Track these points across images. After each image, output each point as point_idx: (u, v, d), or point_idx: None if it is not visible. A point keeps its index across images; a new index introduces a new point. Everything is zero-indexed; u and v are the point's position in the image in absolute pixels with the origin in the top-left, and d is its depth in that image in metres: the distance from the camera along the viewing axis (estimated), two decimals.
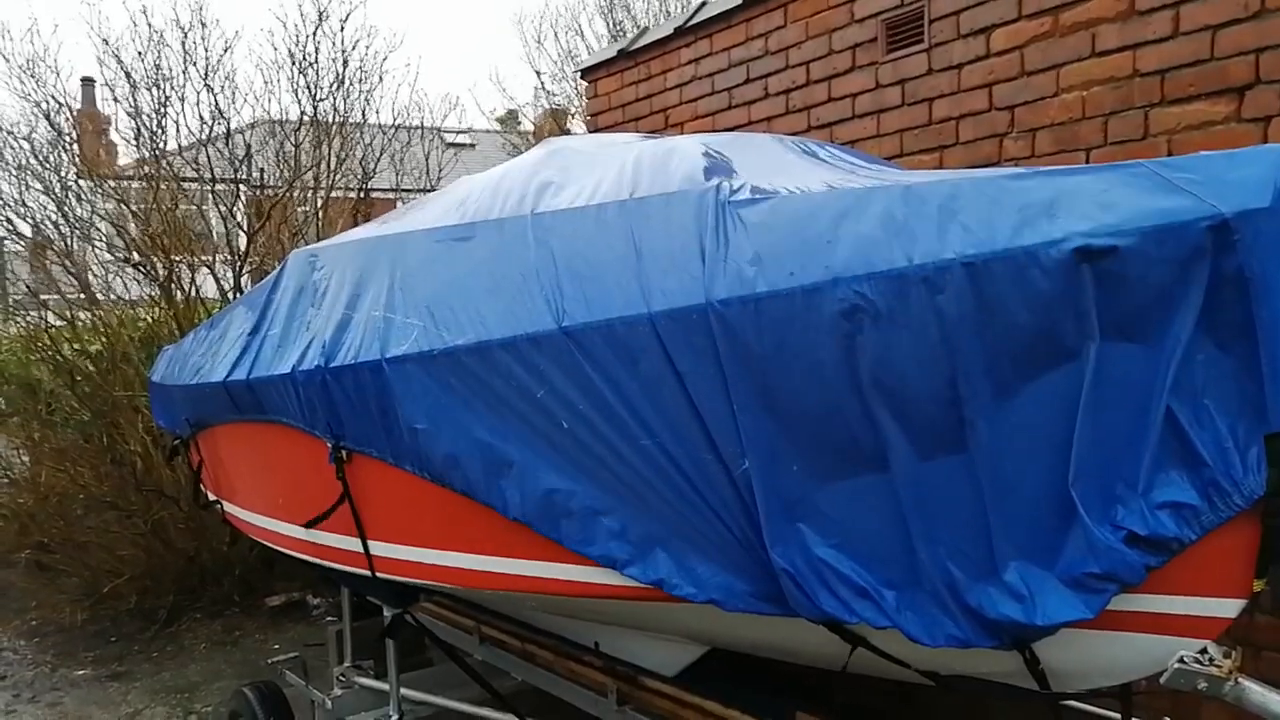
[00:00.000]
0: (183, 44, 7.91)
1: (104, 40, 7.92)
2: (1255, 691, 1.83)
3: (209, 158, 7.93)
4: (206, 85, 7.96)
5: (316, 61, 8.41)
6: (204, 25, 8.01)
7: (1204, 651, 1.86)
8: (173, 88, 7.91)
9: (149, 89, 7.87)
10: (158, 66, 7.87)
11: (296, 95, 8.45)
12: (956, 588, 1.90)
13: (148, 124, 7.89)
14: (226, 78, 8.25)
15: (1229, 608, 1.82)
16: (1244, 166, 1.69)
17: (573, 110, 13.18)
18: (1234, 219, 1.64)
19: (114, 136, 9.08)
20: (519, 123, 16.09)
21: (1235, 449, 1.72)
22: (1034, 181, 1.85)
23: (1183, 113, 3.09)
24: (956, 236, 1.83)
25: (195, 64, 7.93)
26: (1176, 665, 1.85)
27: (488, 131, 20.86)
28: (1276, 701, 1.82)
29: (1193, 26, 3.05)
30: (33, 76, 7.95)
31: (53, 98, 8.04)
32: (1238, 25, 2.93)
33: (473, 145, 20.00)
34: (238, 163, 8.08)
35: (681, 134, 4.99)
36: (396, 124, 9.54)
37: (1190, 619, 1.84)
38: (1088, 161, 3.34)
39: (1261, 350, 1.68)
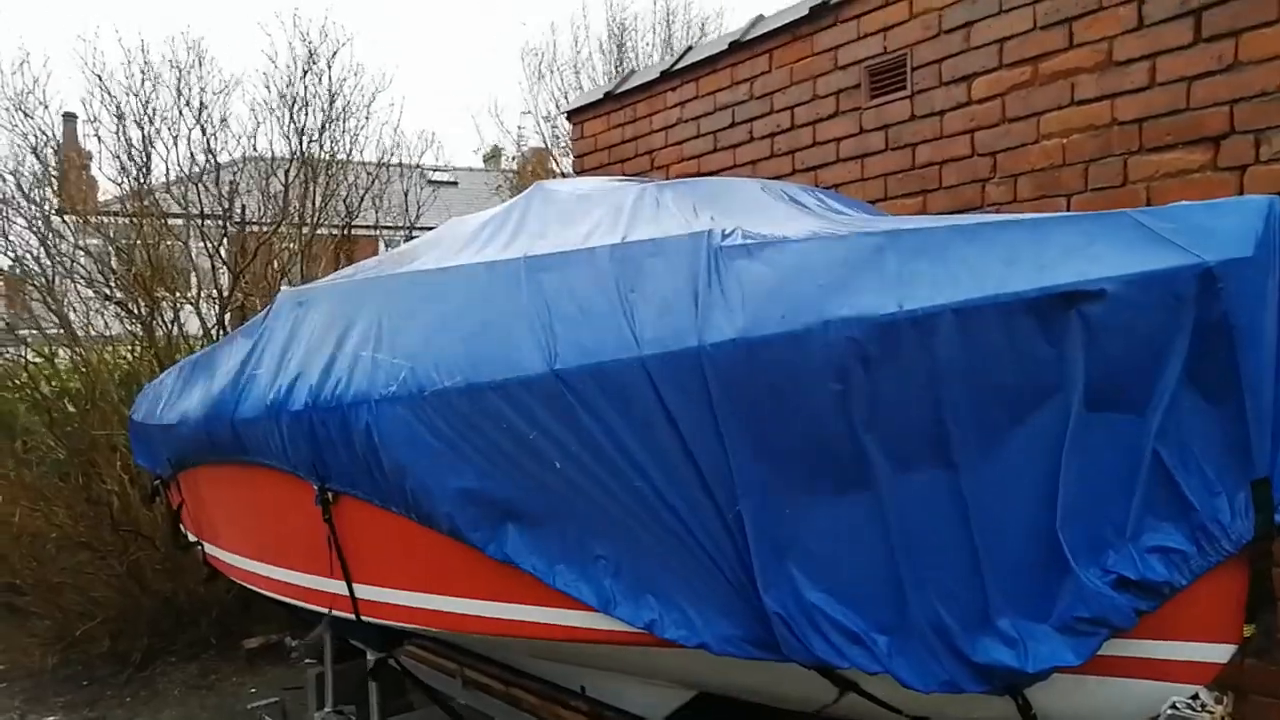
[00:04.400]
0: (178, 81, 7.96)
1: (98, 76, 7.95)
2: None
3: (199, 193, 7.93)
4: (199, 123, 8.00)
5: (306, 101, 8.48)
6: (200, 64, 8.06)
7: (1195, 697, 1.86)
8: (164, 123, 7.95)
9: (139, 124, 7.90)
10: (148, 103, 7.91)
11: (286, 134, 8.49)
12: (948, 633, 1.90)
13: (135, 160, 7.90)
14: (222, 119, 8.29)
15: (1221, 653, 1.83)
16: (1226, 217, 1.73)
17: (558, 150, 13.30)
18: (1218, 268, 1.67)
19: (95, 172, 9.08)
20: (507, 160, 16.17)
21: (1223, 494, 1.74)
22: (1021, 230, 1.89)
23: (1160, 161, 3.15)
24: (946, 283, 1.86)
25: (189, 102, 7.98)
26: (1169, 711, 1.85)
27: (470, 170, 20.96)
28: None
29: (1169, 77, 3.12)
30: (20, 110, 7.96)
31: (41, 131, 8.06)
32: (1212, 77, 3.01)
33: (454, 183, 20.09)
34: (224, 200, 8.07)
35: (667, 176, 5.05)
36: (381, 162, 9.59)
37: (1183, 664, 1.85)
38: (1068, 207, 3.39)
39: (1246, 397, 1.70)
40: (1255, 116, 2.92)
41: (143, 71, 7.97)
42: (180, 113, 7.98)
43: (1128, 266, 1.72)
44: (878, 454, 1.92)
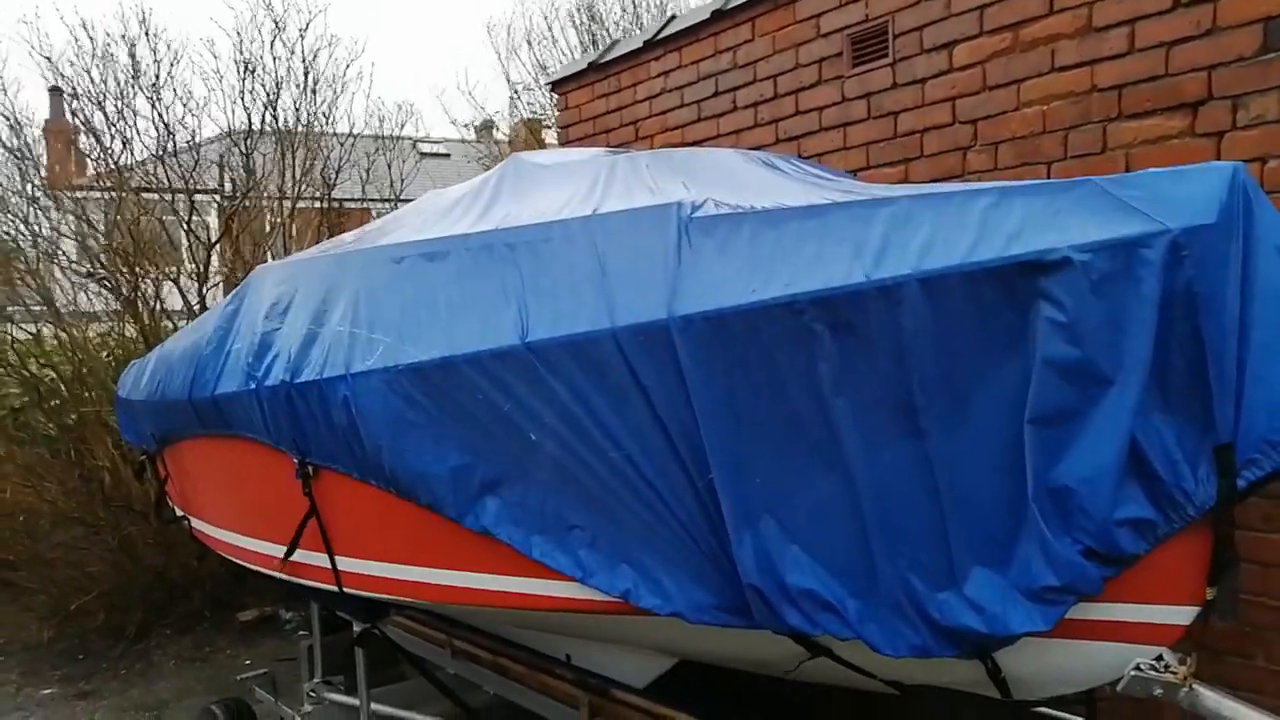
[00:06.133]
0: (131, 55, 7.83)
1: (46, 58, 7.82)
2: (1209, 698, 1.87)
3: (167, 171, 7.84)
4: (157, 96, 7.89)
5: (277, 72, 8.38)
6: (149, 35, 7.92)
7: (1160, 659, 1.89)
8: (123, 101, 7.84)
9: (98, 104, 7.80)
10: (103, 81, 7.80)
11: (244, 104, 8.34)
12: (917, 598, 1.93)
13: (101, 138, 7.82)
14: (175, 91, 8.20)
15: (1183, 615, 1.85)
16: (1191, 184, 1.73)
17: (547, 121, 13.17)
18: (1182, 235, 1.67)
19: (84, 147, 8.99)
20: (497, 130, 16.02)
21: (1185, 462, 1.75)
22: (988, 199, 1.89)
23: (1139, 127, 3.14)
24: (913, 253, 1.86)
25: (142, 75, 7.86)
26: (1133, 673, 1.88)
27: (462, 141, 20.79)
28: (1229, 707, 1.86)
29: (1147, 43, 3.10)
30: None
31: (24, 114, 8.00)
32: (1190, 43, 3.00)
33: (447, 155, 19.93)
34: (189, 174, 7.94)
35: (651, 146, 5.02)
36: (363, 133, 9.48)
37: (1145, 627, 1.88)
38: (1049, 174, 3.39)
39: (1209, 364, 1.71)
40: (1232, 82, 2.91)
41: (90, 53, 7.85)
42: (135, 86, 7.87)
43: (1092, 235, 1.73)
44: (847, 423, 1.93)
